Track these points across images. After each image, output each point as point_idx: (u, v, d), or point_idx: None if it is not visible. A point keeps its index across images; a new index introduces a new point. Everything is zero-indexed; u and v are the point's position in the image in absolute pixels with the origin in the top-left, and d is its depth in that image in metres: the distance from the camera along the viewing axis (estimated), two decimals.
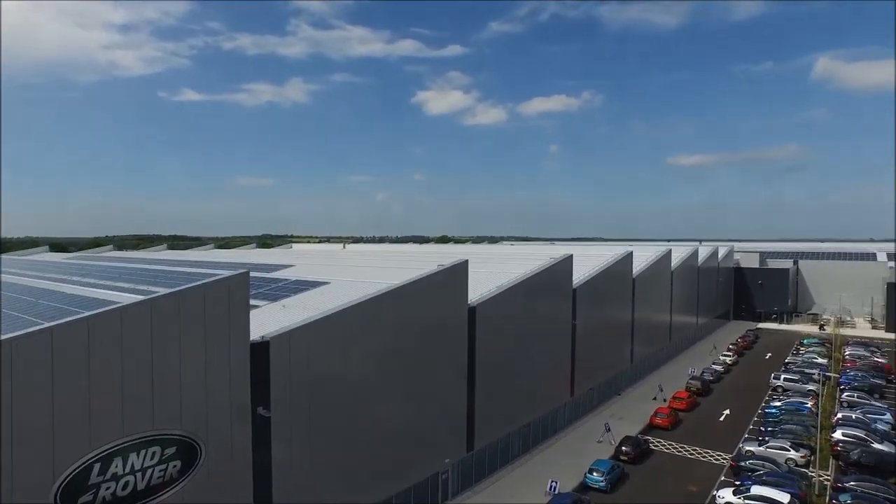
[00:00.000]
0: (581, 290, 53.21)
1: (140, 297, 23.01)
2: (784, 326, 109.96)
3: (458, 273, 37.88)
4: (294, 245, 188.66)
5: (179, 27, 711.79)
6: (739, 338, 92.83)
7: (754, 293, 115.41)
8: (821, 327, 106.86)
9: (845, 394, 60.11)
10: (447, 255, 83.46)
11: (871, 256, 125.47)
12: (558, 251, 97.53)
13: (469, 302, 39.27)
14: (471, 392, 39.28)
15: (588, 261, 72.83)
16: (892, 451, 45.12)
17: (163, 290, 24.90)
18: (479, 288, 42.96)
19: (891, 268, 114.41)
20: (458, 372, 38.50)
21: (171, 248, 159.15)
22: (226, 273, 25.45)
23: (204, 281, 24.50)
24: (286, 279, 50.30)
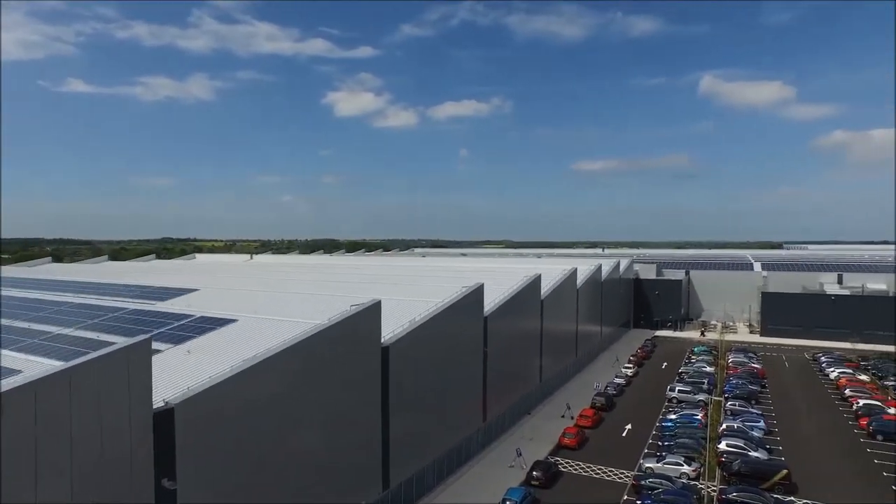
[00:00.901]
0: (492, 317, 54.60)
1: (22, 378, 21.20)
2: (678, 333, 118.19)
3: (372, 313, 37.77)
4: (197, 255, 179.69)
5: (65, 11, 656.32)
6: (639, 348, 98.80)
7: (652, 303, 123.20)
8: (702, 333, 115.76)
9: (728, 402, 65.71)
10: (358, 274, 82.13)
11: (749, 266, 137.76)
12: (468, 266, 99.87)
13: (382, 341, 39.26)
14: (385, 431, 39.26)
15: (498, 276, 75.06)
16: (765, 457, 49.91)
17: (54, 364, 23.07)
18: (391, 322, 43.09)
19: (764, 277, 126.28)
20: (373, 412, 38.38)
21: (55, 259, 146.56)
22: (123, 342, 23.96)
23: (101, 353, 22.93)
24: (190, 315, 47.90)
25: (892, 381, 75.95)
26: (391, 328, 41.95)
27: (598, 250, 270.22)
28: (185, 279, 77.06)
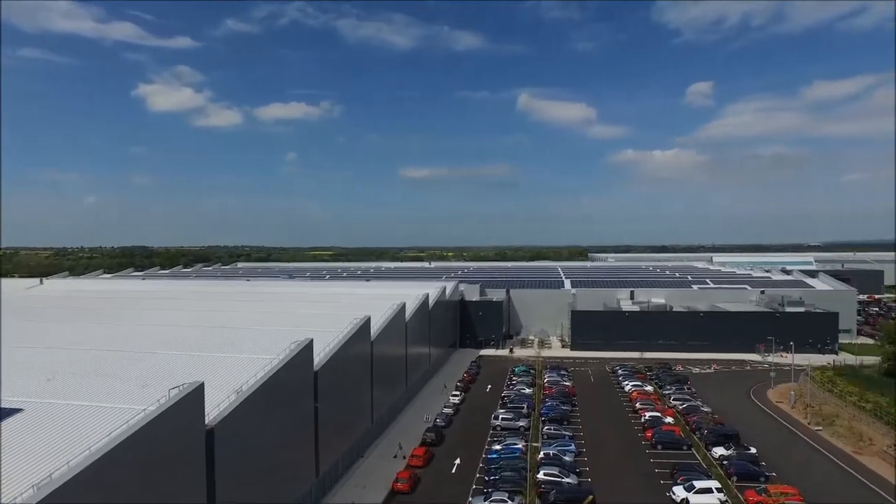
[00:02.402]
0: (323, 371, 53.95)
1: None
2: (500, 352, 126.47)
3: (194, 398, 35.26)
4: None
5: None
6: (465, 372, 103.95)
7: (476, 323, 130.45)
8: (510, 351, 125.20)
9: (545, 427, 72.17)
10: (178, 317, 73.87)
11: (560, 284, 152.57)
12: (301, 295, 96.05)
13: (206, 422, 36.86)
14: None
15: (328, 309, 74.11)
16: (576, 482, 55.83)
17: None
18: (215, 392, 40.67)
19: (573, 294, 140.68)
20: (197, 497, 35.78)
21: None
22: None
23: None
24: None
25: (669, 389, 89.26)
26: (216, 400, 39.59)
27: (426, 264, 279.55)
28: None
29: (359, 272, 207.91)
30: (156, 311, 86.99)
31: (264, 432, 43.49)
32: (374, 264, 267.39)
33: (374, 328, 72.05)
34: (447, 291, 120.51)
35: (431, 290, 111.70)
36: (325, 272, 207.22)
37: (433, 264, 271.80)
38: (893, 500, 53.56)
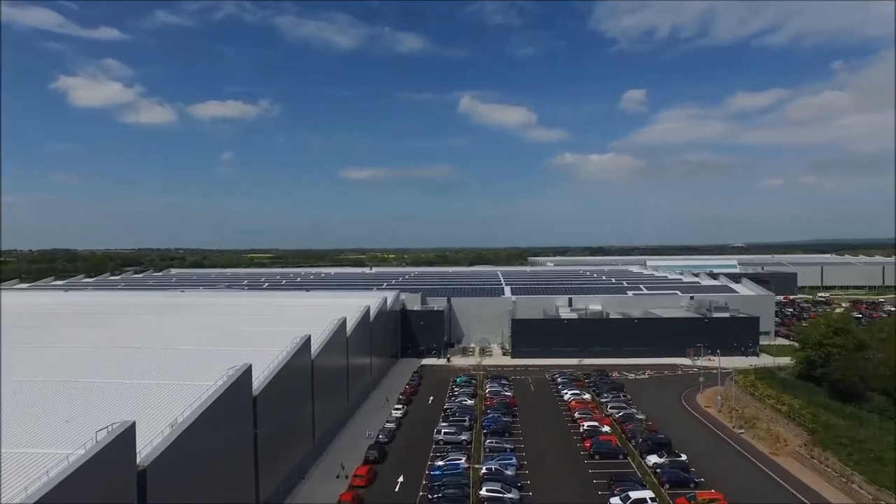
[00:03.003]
0: (262, 396, 52.68)
1: None
2: (442, 361, 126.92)
3: (124, 439, 33.68)
4: None
5: None
6: (407, 384, 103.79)
7: (417, 332, 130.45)
8: (448, 360, 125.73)
9: (487, 440, 73.05)
10: (107, 338, 69.26)
11: (500, 292, 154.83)
12: (234, 310, 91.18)
13: (138, 461, 35.27)
14: None
15: (267, 324, 72.12)
16: (517, 497, 56.85)
17: None
18: (147, 427, 39.01)
19: (513, 302, 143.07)
20: None
21: None
22: None
23: None
24: None
25: (606, 397, 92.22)
26: (148, 436, 37.94)
27: (367, 269, 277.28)
28: None
29: (298, 279, 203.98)
30: (79, 328, 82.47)
31: (201, 466, 42.01)
32: (314, 270, 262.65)
33: (315, 345, 70.87)
34: (388, 302, 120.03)
35: (373, 301, 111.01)
36: (263, 279, 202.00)
37: (374, 269, 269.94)
38: (803, 499, 57.51)
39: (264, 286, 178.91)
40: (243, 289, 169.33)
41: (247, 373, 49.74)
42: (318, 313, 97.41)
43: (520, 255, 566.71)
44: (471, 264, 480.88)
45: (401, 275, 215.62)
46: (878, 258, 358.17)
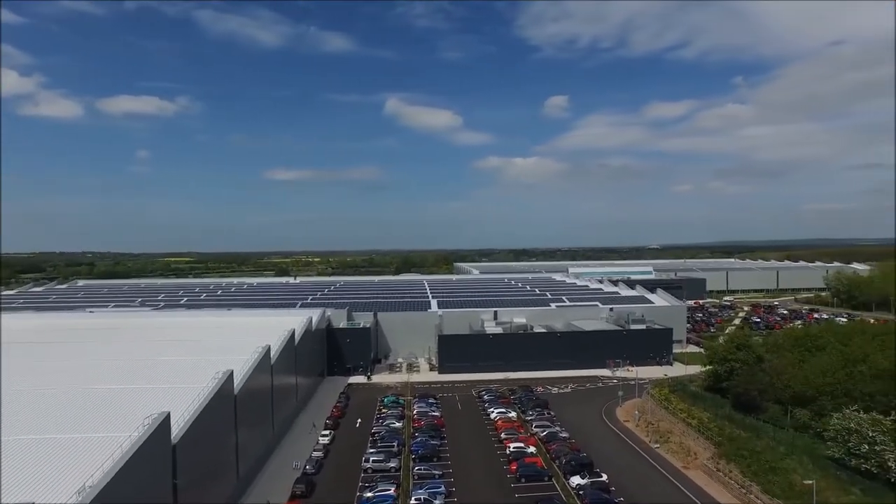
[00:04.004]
0: (182, 444, 50.50)
1: None
2: (365, 378, 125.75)
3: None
4: None
5: None
6: (334, 406, 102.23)
7: (344, 350, 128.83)
8: (368, 378, 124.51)
9: (416, 467, 73.28)
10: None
11: (427, 305, 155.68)
12: (148, 337, 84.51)
13: None
14: None
15: (186, 353, 68.59)
16: None
17: None
18: (52, 490, 36.63)
19: (440, 316, 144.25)
20: None
21: None
22: None
23: None
24: None
25: (531, 415, 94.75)
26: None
27: (291, 279, 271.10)
28: None
29: (219, 292, 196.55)
30: None
31: None
32: (235, 281, 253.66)
33: (238, 378, 68.62)
34: (314, 321, 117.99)
35: (298, 321, 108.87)
36: (181, 292, 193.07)
37: (298, 280, 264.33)
38: None
39: (182, 301, 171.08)
40: (159, 305, 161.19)
41: (165, 421, 47.58)
42: (242, 338, 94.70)
43: (446, 260, 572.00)
44: (398, 270, 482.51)
45: (326, 286, 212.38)
46: (773, 262, 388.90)
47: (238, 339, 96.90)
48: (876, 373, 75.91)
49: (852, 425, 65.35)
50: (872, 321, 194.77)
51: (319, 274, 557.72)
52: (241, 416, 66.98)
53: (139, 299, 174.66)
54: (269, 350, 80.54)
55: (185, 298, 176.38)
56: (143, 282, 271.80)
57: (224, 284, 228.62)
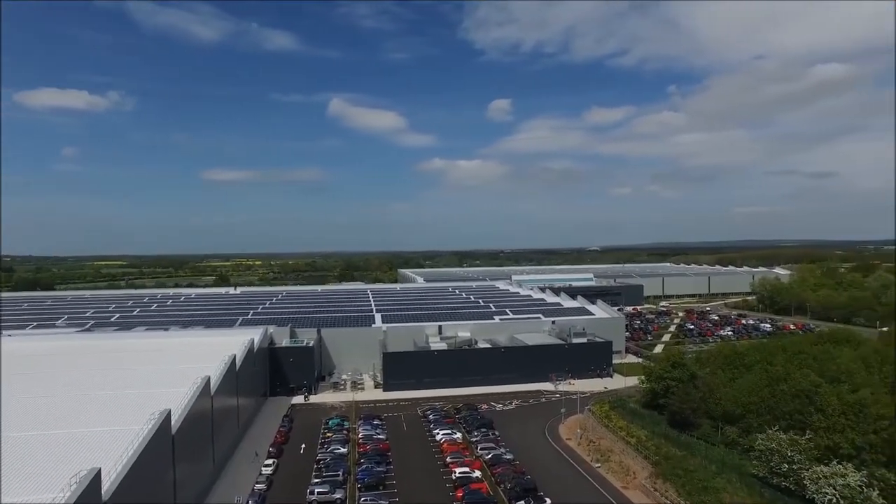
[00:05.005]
0: (114, 499, 48.29)
1: None
2: (313, 399, 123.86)
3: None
4: None
5: None
6: (277, 431, 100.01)
7: (287, 369, 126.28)
8: (305, 398, 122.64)
9: (362, 497, 72.72)
10: None
11: (371, 320, 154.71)
12: (74, 366, 77.56)
13: None
14: None
15: (118, 386, 64.89)
16: None
17: None
18: None
19: (384, 331, 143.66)
20: None
21: None
22: None
23: None
24: None
25: (476, 435, 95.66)
26: None
27: (231, 289, 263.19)
28: None
29: (154, 306, 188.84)
30: None
31: None
32: (172, 292, 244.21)
33: (176, 416, 66.15)
34: (256, 342, 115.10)
35: (240, 345, 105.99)
36: (112, 307, 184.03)
37: (239, 290, 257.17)
38: None
39: (114, 318, 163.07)
40: (87, 324, 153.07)
41: (95, 479, 45.34)
42: (180, 364, 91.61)
43: (390, 265, 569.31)
44: (341, 275, 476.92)
45: (268, 297, 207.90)
46: (706, 267, 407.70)
47: (176, 366, 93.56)
48: (795, 392, 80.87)
49: (774, 445, 69.49)
50: (791, 326, 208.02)
51: (261, 279, 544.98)
52: (179, 454, 64.51)
53: (65, 316, 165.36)
54: (209, 381, 77.95)
55: (117, 315, 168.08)
56: (69, 293, 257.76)
57: (159, 296, 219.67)
